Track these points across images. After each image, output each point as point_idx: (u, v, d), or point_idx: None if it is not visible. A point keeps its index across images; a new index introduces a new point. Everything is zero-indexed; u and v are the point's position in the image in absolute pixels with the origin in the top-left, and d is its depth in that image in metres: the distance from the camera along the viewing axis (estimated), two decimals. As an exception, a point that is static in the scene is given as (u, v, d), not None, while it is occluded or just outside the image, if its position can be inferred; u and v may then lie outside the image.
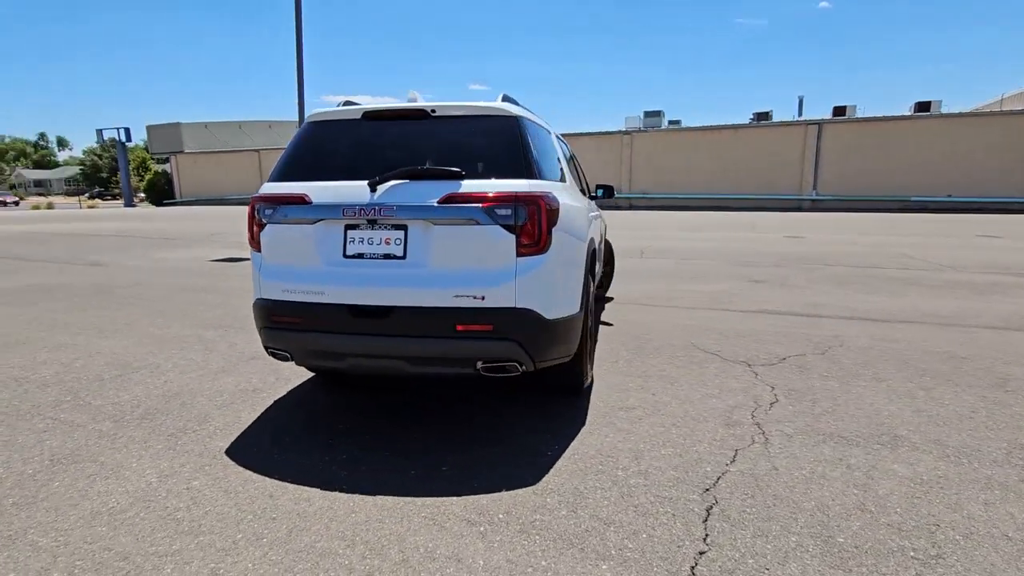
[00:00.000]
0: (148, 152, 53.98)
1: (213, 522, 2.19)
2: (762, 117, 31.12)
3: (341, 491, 2.42)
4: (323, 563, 1.95)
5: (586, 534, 2.10)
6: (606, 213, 6.74)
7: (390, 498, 2.36)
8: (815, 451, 2.73)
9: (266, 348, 2.98)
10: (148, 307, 6.21)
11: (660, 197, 30.90)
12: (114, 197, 64.13)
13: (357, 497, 2.37)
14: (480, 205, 2.59)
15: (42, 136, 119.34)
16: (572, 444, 2.84)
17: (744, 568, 1.90)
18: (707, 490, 2.39)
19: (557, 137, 4.24)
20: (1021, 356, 4.17)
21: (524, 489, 2.42)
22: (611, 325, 5.22)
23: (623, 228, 16.06)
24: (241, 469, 2.61)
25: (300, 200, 2.79)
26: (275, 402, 3.43)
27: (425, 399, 3.50)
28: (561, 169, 3.65)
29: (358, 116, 3.01)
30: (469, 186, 2.64)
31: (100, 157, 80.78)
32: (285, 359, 2.93)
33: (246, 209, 3.08)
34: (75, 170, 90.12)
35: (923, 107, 28.18)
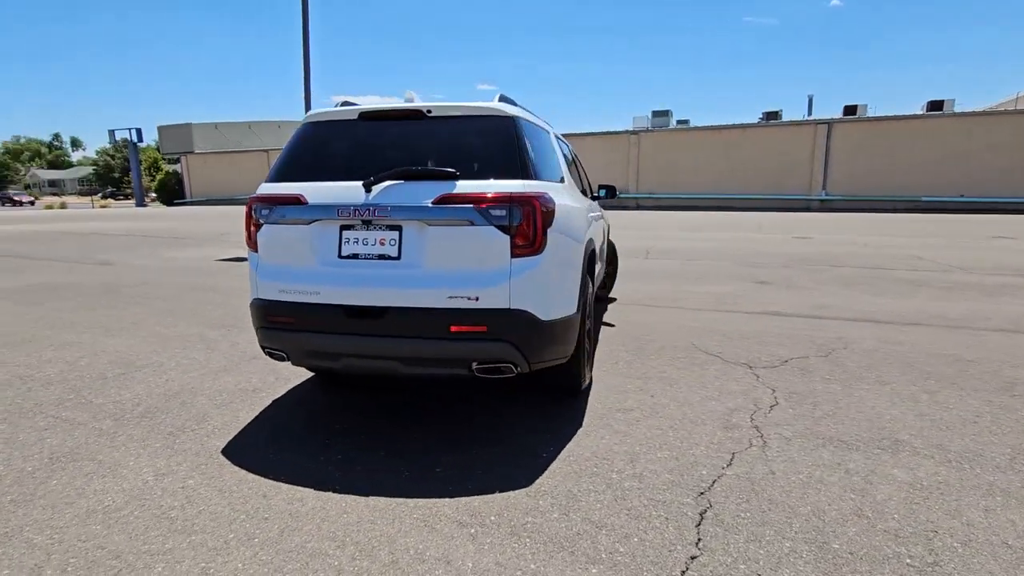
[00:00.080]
0: (160, 152, 54.61)
1: (206, 521, 2.20)
2: (771, 116, 30.95)
3: (334, 491, 2.42)
4: (313, 564, 1.95)
5: (577, 537, 2.09)
6: (612, 213, 6.72)
7: (383, 499, 2.36)
8: (814, 455, 2.69)
9: (263, 348, 2.99)
10: (155, 306, 6.26)
11: (667, 197, 30.77)
12: (126, 197, 64.92)
13: (350, 498, 2.37)
14: (475, 206, 2.58)
15: (56, 136, 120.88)
16: (568, 446, 2.82)
17: (735, 573, 1.88)
18: (702, 494, 2.36)
19: (557, 137, 4.22)
20: (1029, 359, 4.10)
21: (517, 491, 2.41)
22: (613, 326, 5.20)
23: (629, 228, 16.01)
24: (236, 468, 2.62)
25: (296, 200, 2.80)
26: (274, 402, 3.45)
27: (425, 399, 3.49)
28: (560, 169, 3.63)
29: (354, 116, 3.01)
30: (464, 187, 2.63)
31: (113, 157, 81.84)
32: (281, 359, 2.94)
33: (249, 210, 3.09)
34: (88, 170, 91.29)
35: (936, 106, 27.90)
